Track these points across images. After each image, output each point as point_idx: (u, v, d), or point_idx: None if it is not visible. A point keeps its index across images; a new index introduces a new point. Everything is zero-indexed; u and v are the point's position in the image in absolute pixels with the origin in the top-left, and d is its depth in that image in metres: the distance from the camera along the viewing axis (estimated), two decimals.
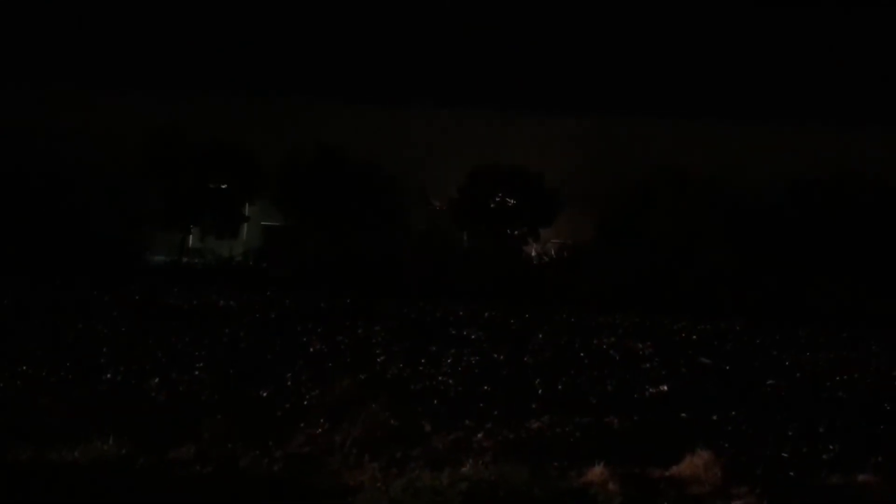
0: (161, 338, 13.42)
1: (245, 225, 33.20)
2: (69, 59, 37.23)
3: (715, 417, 10.15)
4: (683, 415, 10.22)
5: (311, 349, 13.17)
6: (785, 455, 8.93)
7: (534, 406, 10.29)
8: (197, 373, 11.23)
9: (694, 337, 16.90)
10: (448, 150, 33.90)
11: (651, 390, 11.40)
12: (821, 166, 29.84)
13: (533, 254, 31.60)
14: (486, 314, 19.00)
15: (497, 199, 31.13)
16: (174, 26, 38.21)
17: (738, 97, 35.49)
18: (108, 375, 10.89)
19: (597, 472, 8.02)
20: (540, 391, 11.10)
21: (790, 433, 9.67)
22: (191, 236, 32.74)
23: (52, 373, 10.87)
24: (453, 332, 15.86)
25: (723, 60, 36.62)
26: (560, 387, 11.41)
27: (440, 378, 11.57)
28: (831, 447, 9.21)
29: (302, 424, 9.36)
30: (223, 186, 31.96)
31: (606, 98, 35.89)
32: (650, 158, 31.29)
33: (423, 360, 12.60)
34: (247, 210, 33.25)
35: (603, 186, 31.38)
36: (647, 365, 13.11)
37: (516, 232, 31.28)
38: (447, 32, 37.70)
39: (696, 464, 8.36)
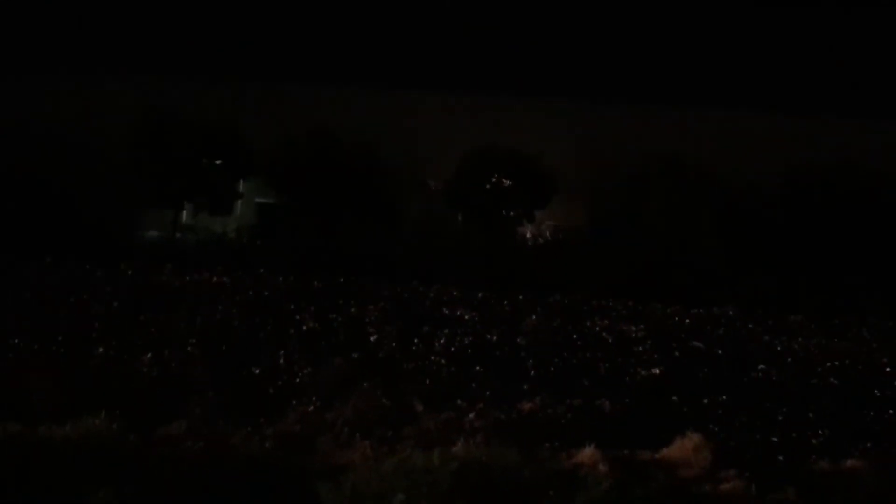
0: (153, 314, 13.37)
1: (239, 202, 33.08)
2: (64, 42, 36.92)
3: (706, 401, 10.18)
4: (674, 398, 10.25)
5: (304, 328, 13.14)
6: (774, 440, 8.97)
7: (526, 387, 10.30)
8: (189, 349, 11.20)
9: (686, 321, 16.94)
10: (444, 132, 33.79)
11: (643, 373, 11.43)
12: (818, 156, 29.80)
13: (528, 235, 31.61)
14: (480, 295, 18.99)
15: (493, 181, 31.06)
16: (170, 11, 37.89)
17: (736, 86, 35.47)
18: (100, 350, 10.86)
19: (587, 453, 8.04)
20: (532, 373, 11.12)
21: (780, 418, 9.72)
22: (184, 212, 32.63)
23: (43, 348, 10.83)
24: (446, 312, 15.85)
25: (721, 49, 36.55)
26: (552, 369, 11.43)
27: (432, 358, 11.57)
28: (821, 433, 9.26)
29: (294, 403, 9.36)
30: (217, 162, 31.80)
31: (604, 84, 35.78)
32: (646, 146, 31.23)
33: (415, 340, 12.59)
34: (241, 186, 33.11)
35: (599, 171, 31.37)
36: (640, 348, 13.13)
37: (511, 213, 31.24)
38: (445, 16, 37.45)
39: (685, 447, 8.39)
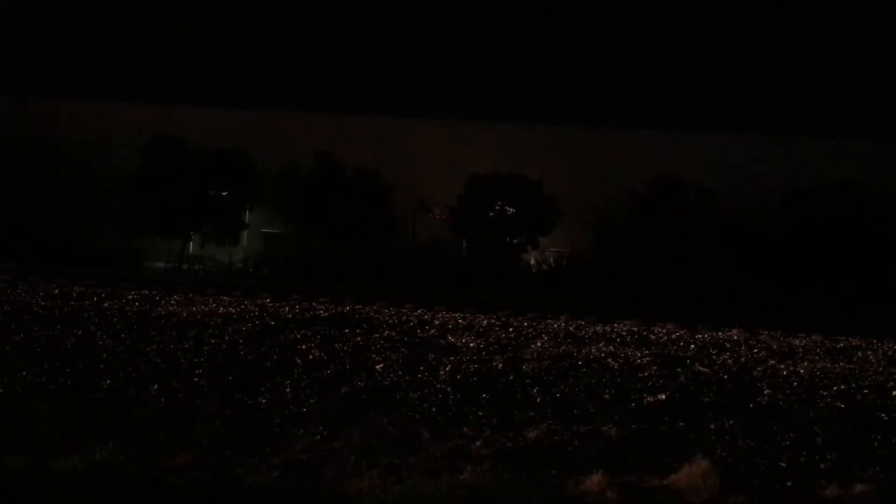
0: (160, 345, 13.44)
1: (245, 232, 33.34)
2: (72, 68, 37.36)
3: (712, 426, 10.16)
4: (681, 424, 10.23)
5: (310, 357, 13.18)
6: (782, 465, 8.95)
7: (532, 414, 10.30)
8: (196, 379, 11.25)
9: (691, 346, 16.91)
10: (447, 159, 34.01)
11: (649, 399, 11.42)
12: (818, 176, 29.97)
13: (532, 262, 31.69)
14: (485, 322, 19.01)
15: (496, 208, 31.20)
16: (175, 37, 38.39)
17: (735, 107, 35.58)
18: (108, 382, 10.91)
19: (595, 480, 8.04)
20: (538, 399, 11.12)
21: (787, 443, 9.69)
22: (191, 243, 32.87)
23: (51, 379, 10.90)
24: (452, 339, 15.87)
25: (721, 70, 36.74)
26: (558, 395, 11.43)
27: (438, 386, 11.58)
28: (829, 457, 9.23)
29: (300, 432, 9.38)
30: (223, 193, 32.14)
31: (604, 108, 35.99)
32: (648, 168, 31.41)
33: (421, 368, 12.62)
34: (247, 217, 33.36)
35: (601, 196, 31.53)
36: (645, 374, 13.12)
37: (515, 240, 31.35)
38: (445, 42, 37.88)
39: (693, 473, 8.38)
